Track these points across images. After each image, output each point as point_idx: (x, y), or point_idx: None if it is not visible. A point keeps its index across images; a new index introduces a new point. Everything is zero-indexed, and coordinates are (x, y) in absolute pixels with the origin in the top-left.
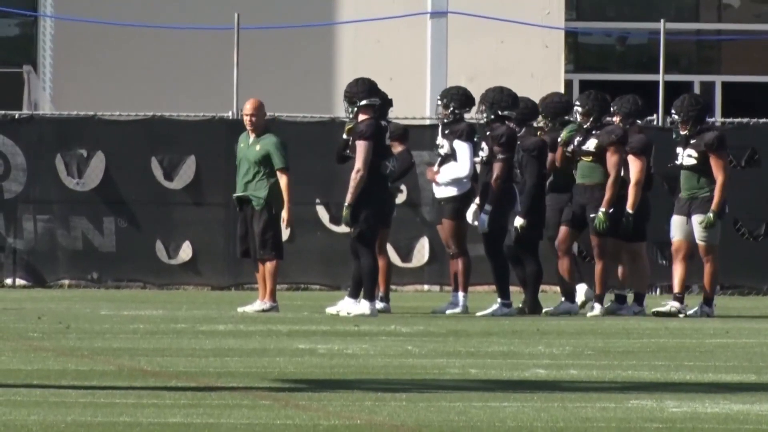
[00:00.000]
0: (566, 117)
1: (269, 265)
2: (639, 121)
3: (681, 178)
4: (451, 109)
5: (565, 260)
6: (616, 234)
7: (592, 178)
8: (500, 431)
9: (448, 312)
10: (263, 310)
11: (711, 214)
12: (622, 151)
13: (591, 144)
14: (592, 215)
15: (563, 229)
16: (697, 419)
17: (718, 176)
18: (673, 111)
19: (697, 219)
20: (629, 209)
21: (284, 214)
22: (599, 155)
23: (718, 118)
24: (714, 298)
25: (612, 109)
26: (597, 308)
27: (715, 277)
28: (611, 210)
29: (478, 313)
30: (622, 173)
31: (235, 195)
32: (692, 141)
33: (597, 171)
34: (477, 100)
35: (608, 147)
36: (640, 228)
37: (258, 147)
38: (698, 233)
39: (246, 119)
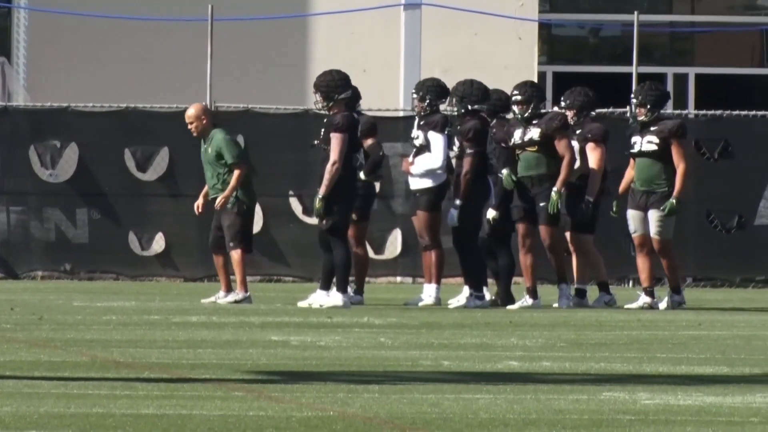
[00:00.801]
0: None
1: (235, 256)
2: (592, 113)
3: (636, 167)
4: (428, 101)
5: (528, 257)
6: (576, 225)
7: (539, 169)
8: (473, 423)
9: (420, 304)
10: (235, 301)
11: (673, 200)
12: (570, 135)
13: (534, 134)
14: (542, 204)
15: (522, 226)
16: (670, 411)
17: (680, 164)
18: (632, 96)
19: (653, 214)
20: (590, 197)
21: (221, 197)
22: (544, 144)
23: (691, 110)
24: (680, 286)
25: (562, 103)
26: (529, 301)
27: (675, 270)
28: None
29: (450, 302)
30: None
31: (210, 198)
32: (653, 128)
33: (542, 161)
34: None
35: (554, 134)
36: (593, 219)
37: (210, 149)
38: (653, 228)
39: (190, 127)
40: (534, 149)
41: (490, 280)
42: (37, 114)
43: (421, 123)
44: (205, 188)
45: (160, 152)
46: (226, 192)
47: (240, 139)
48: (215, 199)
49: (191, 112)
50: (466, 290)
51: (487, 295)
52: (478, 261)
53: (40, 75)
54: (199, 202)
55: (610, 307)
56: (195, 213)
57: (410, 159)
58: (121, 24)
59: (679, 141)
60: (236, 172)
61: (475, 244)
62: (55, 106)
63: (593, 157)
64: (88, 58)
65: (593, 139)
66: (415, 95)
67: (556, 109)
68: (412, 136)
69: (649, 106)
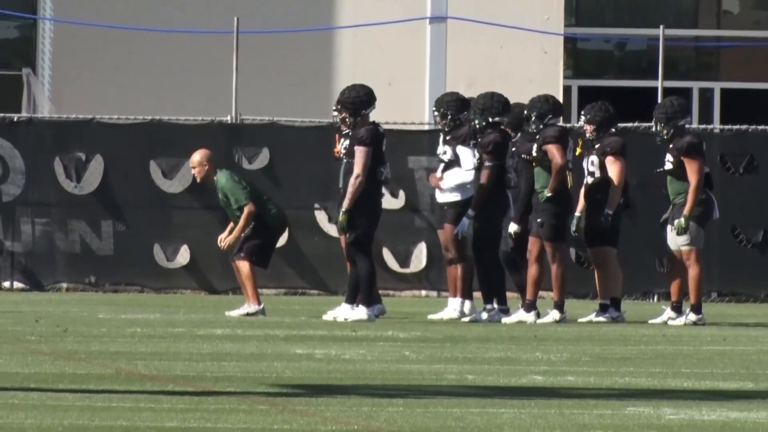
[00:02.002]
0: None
1: (243, 268)
2: (612, 129)
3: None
4: (449, 116)
5: (558, 270)
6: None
7: (537, 183)
8: None
9: (444, 317)
10: (247, 314)
11: (682, 219)
12: (564, 147)
13: (532, 148)
14: (539, 220)
15: (533, 240)
16: (695, 426)
17: (691, 181)
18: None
19: (670, 228)
20: (609, 209)
21: (229, 237)
22: (539, 160)
23: (716, 125)
24: (701, 305)
25: (583, 118)
26: (554, 314)
27: (698, 282)
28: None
29: (430, 315)
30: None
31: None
32: (670, 145)
33: (541, 176)
34: None
35: (545, 146)
36: (614, 232)
37: (219, 195)
38: (675, 240)
39: (192, 172)
40: (533, 164)
41: (514, 294)
42: (62, 125)
43: (448, 138)
44: (231, 224)
45: (185, 164)
46: (235, 233)
47: (265, 152)
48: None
49: (195, 158)
50: (451, 303)
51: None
52: (496, 273)
53: (66, 86)
54: (223, 235)
55: (617, 323)
56: (219, 225)
57: (438, 174)
58: (147, 36)
59: (689, 158)
60: (245, 212)
61: (493, 255)
62: (80, 118)
63: (613, 170)
64: (114, 69)
65: (612, 153)
66: (436, 112)
67: (581, 122)
68: (438, 152)
69: (594, 126)
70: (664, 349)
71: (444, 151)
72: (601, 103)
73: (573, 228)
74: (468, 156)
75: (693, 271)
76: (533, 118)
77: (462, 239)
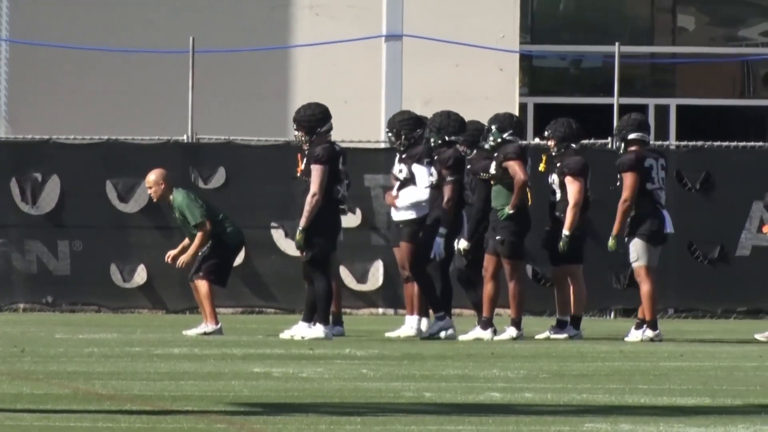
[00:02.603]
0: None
1: (202, 287)
2: (574, 145)
3: None
4: (403, 136)
5: (516, 287)
6: (560, 258)
7: (497, 201)
8: None
9: (401, 335)
10: (205, 333)
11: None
12: (524, 163)
13: (488, 166)
14: (498, 237)
15: (489, 257)
16: None
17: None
18: (615, 131)
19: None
20: (566, 231)
21: (184, 255)
22: (499, 177)
23: (672, 141)
24: (656, 321)
25: (546, 133)
26: (511, 331)
27: (651, 299)
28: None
29: (388, 334)
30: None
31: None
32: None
33: (501, 194)
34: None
35: (505, 162)
36: (577, 250)
37: (176, 213)
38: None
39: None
40: (493, 182)
41: (470, 311)
42: (19, 146)
43: (403, 156)
44: (185, 241)
45: (141, 184)
46: (191, 251)
47: (221, 171)
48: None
49: (151, 177)
50: (408, 320)
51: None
52: (429, 285)
53: (21, 107)
54: (173, 252)
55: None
56: (177, 245)
57: (394, 192)
58: (103, 56)
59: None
60: (200, 234)
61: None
62: (37, 138)
63: (571, 190)
64: (70, 90)
65: (570, 173)
66: (389, 133)
67: (537, 140)
68: (394, 171)
69: (555, 141)
70: (622, 365)
71: (400, 169)
72: (564, 119)
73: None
74: (423, 174)
75: (644, 288)
76: (493, 130)
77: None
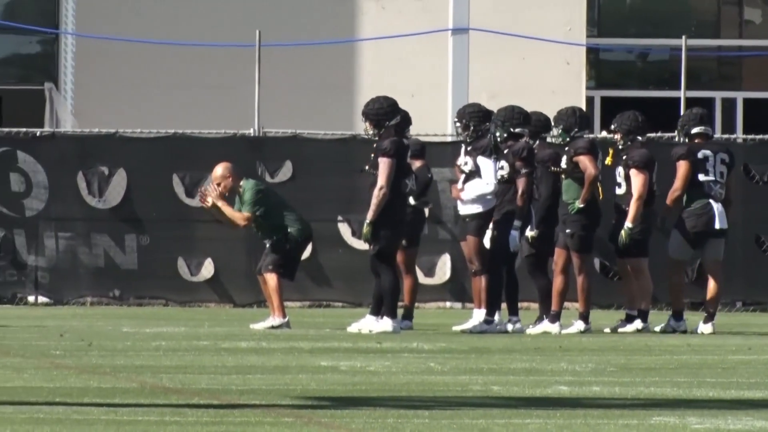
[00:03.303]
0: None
1: (270, 280)
2: (640, 138)
3: None
4: (471, 127)
5: (584, 281)
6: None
7: (567, 194)
8: None
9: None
10: (272, 327)
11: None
12: (595, 157)
13: (550, 155)
14: (568, 231)
15: (559, 251)
16: None
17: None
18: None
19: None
20: (629, 223)
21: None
22: (570, 172)
23: (739, 134)
24: (682, 312)
25: (612, 126)
26: (579, 324)
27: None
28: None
29: (455, 327)
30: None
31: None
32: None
33: (571, 188)
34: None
35: (576, 157)
36: (641, 243)
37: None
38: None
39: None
40: (563, 176)
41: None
42: (85, 140)
43: (469, 149)
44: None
45: (208, 178)
46: (225, 208)
47: (288, 164)
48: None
49: (218, 172)
50: (476, 314)
51: (496, 319)
52: (499, 284)
53: (88, 101)
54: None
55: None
56: (243, 239)
57: (459, 185)
58: (169, 49)
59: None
60: (239, 215)
61: (511, 267)
62: (103, 132)
63: (635, 183)
64: (136, 83)
65: (634, 166)
66: (458, 123)
67: (604, 133)
68: (459, 163)
69: (622, 134)
70: (689, 358)
71: (465, 161)
72: (630, 112)
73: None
74: (489, 167)
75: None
76: (560, 131)
77: (484, 250)
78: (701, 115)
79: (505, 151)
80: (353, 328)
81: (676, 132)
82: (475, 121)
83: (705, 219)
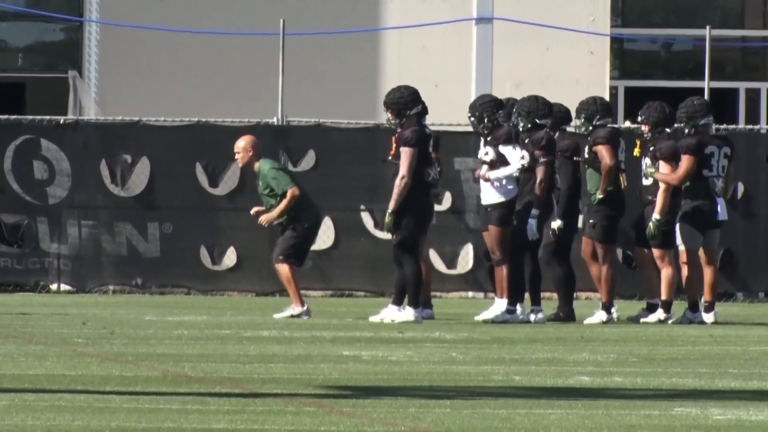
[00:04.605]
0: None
1: (282, 271)
2: (668, 129)
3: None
4: (485, 119)
5: (607, 270)
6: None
7: (590, 184)
8: None
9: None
10: (292, 316)
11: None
12: (615, 147)
13: (569, 145)
14: (591, 221)
15: (587, 240)
16: (742, 427)
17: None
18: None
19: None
20: (656, 214)
21: (269, 214)
22: (591, 161)
23: (763, 125)
24: (671, 303)
25: (639, 118)
26: (601, 314)
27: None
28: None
29: (477, 317)
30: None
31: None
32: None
33: (593, 177)
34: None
35: (595, 147)
36: (667, 234)
37: (260, 182)
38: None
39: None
40: (586, 166)
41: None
42: (109, 128)
43: (489, 139)
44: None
45: (231, 167)
46: (275, 213)
47: (311, 153)
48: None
49: (240, 144)
50: (498, 303)
51: (519, 309)
52: (521, 274)
53: (112, 89)
54: (258, 208)
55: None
56: (266, 228)
57: (482, 171)
58: (192, 38)
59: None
60: (289, 195)
61: (533, 256)
62: (127, 120)
63: (662, 175)
64: (160, 72)
65: (662, 157)
66: (471, 118)
67: (627, 123)
68: (480, 155)
69: (650, 126)
70: (711, 349)
71: (486, 152)
72: (657, 103)
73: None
74: (513, 154)
75: (666, 272)
76: (582, 120)
77: (506, 240)
78: (707, 105)
79: (526, 141)
80: (375, 318)
81: (680, 122)
82: (488, 111)
83: (708, 210)
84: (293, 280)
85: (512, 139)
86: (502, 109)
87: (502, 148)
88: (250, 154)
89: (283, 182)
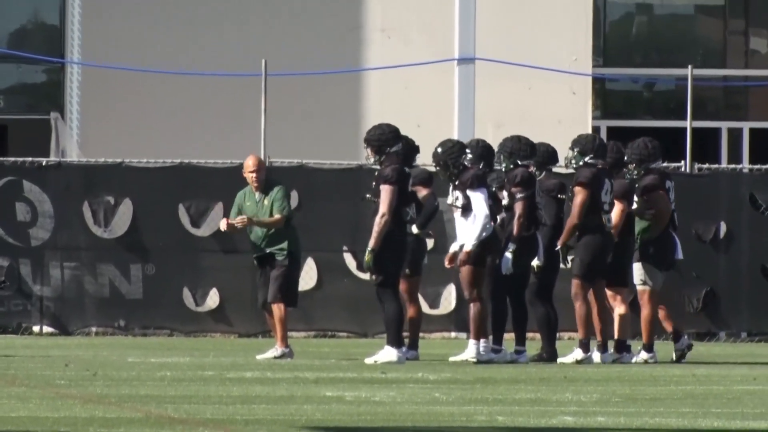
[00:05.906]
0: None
1: (278, 311)
2: (653, 165)
3: None
4: (450, 166)
5: (583, 308)
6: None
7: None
8: None
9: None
10: (275, 357)
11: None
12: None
13: (556, 186)
14: (570, 257)
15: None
16: None
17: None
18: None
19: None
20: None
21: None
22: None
23: (745, 164)
24: (653, 344)
25: (626, 157)
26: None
27: (650, 323)
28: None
29: (451, 358)
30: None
31: (255, 256)
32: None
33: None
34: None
35: (574, 187)
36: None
37: (266, 202)
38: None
39: (252, 177)
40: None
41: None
42: (91, 169)
43: (456, 184)
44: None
45: (214, 207)
46: (263, 219)
47: (294, 194)
48: (260, 258)
49: (254, 160)
50: (471, 345)
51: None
52: (524, 315)
53: (94, 130)
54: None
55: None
56: (249, 269)
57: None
58: (175, 79)
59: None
60: (278, 217)
61: (521, 296)
62: (109, 162)
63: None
64: (142, 113)
65: (615, 197)
66: (437, 167)
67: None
68: (449, 201)
69: (634, 165)
70: (694, 389)
71: (456, 197)
72: (640, 140)
73: None
74: (479, 199)
75: (644, 311)
76: (575, 153)
77: (477, 279)
78: (659, 147)
79: (505, 181)
80: (370, 360)
81: (683, 161)
82: (453, 158)
83: (668, 248)
84: (284, 322)
85: (476, 182)
86: (467, 151)
87: (469, 193)
88: (263, 173)
89: (286, 206)
